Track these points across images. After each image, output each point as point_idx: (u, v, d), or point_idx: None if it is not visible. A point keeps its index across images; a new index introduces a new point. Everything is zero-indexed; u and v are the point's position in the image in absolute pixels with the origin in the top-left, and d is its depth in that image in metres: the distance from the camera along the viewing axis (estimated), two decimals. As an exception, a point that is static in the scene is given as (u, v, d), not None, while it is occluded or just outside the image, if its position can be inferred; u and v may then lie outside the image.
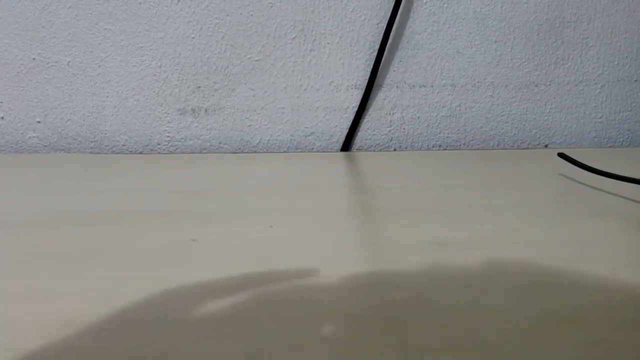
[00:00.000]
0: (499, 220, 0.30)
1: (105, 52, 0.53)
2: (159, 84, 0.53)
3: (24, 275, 0.24)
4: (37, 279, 0.23)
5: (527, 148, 0.54)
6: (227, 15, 0.52)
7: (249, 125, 0.54)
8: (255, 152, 0.54)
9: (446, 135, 0.54)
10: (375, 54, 0.52)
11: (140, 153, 0.54)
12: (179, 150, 0.54)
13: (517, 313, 0.19)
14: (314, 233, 0.28)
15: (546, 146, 0.54)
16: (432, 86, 0.53)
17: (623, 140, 0.55)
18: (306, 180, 0.41)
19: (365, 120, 0.54)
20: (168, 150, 0.54)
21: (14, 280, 0.23)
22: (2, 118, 0.54)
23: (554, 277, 0.23)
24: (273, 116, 0.54)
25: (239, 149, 0.54)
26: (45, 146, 0.54)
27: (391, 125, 0.54)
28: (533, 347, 0.17)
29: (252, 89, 0.53)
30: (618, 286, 0.22)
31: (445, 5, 0.52)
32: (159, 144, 0.54)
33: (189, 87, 0.53)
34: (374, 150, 0.54)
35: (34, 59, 0.53)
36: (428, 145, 0.54)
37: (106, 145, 0.54)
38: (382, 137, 0.54)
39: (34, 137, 0.54)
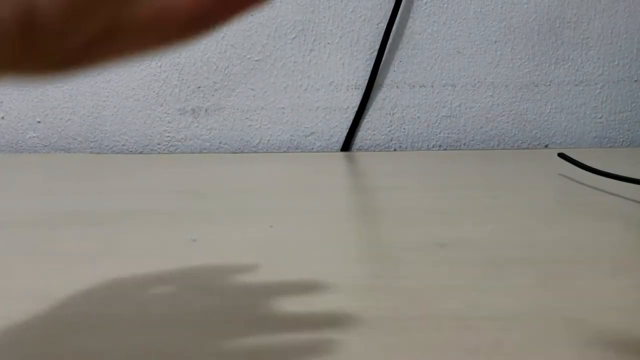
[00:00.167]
0: (499, 220, 0.30)
1: (106, 52, 0.53)
2: (159, 84, 0.53)
3: (24, 275, 0.24)
4: (37, 279, 0.23)
5: (527, 148, 0.54)
6: (227, 15, 0.52)
7: (249, 125, 0.54)
8: (255, 152, 0.54)
9: (446, 136, 0.54)
10: (375, 54, 0.52)
11: (141, 153, 0.54)
12: (179, 150, 0.54)
13: (517, 313, 0.19)
14: (314, 233, 0.28)
15: (546, 146, 0.54)
16: (432, 86, 0.53)
17: (623, 141, 0.55)
18: (306, 180, 0.41)
19: (365, 120, 0.54)
20: (168, 150, 0.54)
21: (14, 280, 0.23)
22: (3, 118, 0.54)
23: (554, 277, 0.23)
24: (273, 116, 0.54)
25: (239, 149, 0.54)
26: (46, 146, 0.54)
27: (391, 126, 0.54)
28: (533, 347, 0.17)
29: (252, 89, 0.53)
30: (618, 286, 0.22)
31: (445, 5, 0.52)
32: (159, 144, 0.54)
33: (189, 87, 0.53)
34: (374, 151, 0.54)
35: (34, 59, 0.53)
36: (428, 146, 0.54)
37: (106, 145, 0.54)
38: (382, 137, 0.54)
39: (34, 137, 0.54)
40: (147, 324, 0.19)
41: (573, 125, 0.54)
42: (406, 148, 0.54)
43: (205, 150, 0.54)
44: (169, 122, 0.54)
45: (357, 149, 0.54)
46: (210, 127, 0.54)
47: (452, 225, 0.29)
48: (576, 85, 0.53)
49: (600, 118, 0.54)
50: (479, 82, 0.53)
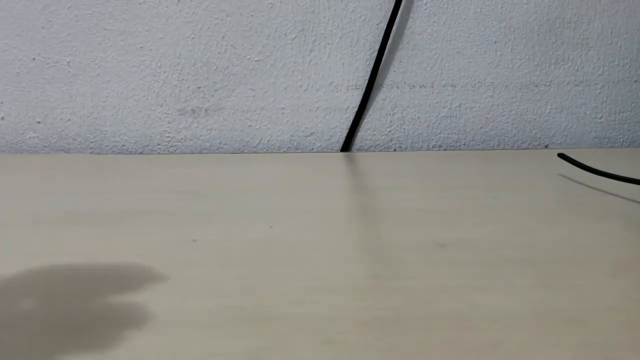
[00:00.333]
0: (499, 220, 0.30)
1: (105, 53, 0.53)
2: (159, 85, 0.53)
3: (24, 275, 0.24)
4: (37, 279, 0.23)
5: (527, 148, 0.54)
6: (227, 15, 0.52)
7: (249, 126, 0.54)
8: (255, 152, 0.54)
9: (446, 136, 0.54)
10: (375, 54, 0.52)
11: (140, 153, 0.54)
12: (179, 150, 0.54)
13: (517, 313, 0.19)
14: (314, 233, 0.28)
15: (546, 146, 0.54)
16: (432, 86, 0.53)
17: (623, 141, 0.55)
18: (306, 181, 0.41)
19: (365, 120, 0.54)
20: (168, 151, 0.54)
21: (14, 280, 0.23)
22: (2, 118, 0.54)
23: (554, 277, 0.23)
24: (273, 116, 0.54)
25: (239, 149, 0.54)
26: (45, 146, 0.54)
27: (391, 126, 0.54)
28: (533, 347, 0.17)
29: (252, 90, 0.53)
30: (618, 286, 0.22)
31: (445, 5, 0.52)
32: (159, 144, 0.54)
33: (189, 87, 0.53)
34: (374, 151, 0.54)
35: (34, 59, 0.53)
36: (428, 146, 0.54)
37: (106, 146, 0.54)
38: (382, 137, 0.54)
39: (33, 137, 0.54)
40: (147, 324, 0.19)
41: (573, 126, 0.54)
42: (406, 148, 0.54)
43: (205, 151, 0.54)
44: (169, 123, 0.54)
45: (357, 149, 0.54)
46: (210, 127, 0.54)
47: (452, 225, 0.29)
48: (576, 85, 0.53)
49: (600, 118, 0.54)
50: (479, 82, 0.53)
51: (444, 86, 0.53)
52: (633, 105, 0.54)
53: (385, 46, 0.52)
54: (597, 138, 0.54)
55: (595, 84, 0.53)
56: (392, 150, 0.54)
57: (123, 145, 0.54)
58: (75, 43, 0.52)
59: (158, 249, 0.26)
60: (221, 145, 0.54)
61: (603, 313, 0.19)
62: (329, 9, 0.52)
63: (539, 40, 0.53)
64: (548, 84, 0.53)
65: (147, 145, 0.54)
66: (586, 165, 0.37)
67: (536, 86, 0.53)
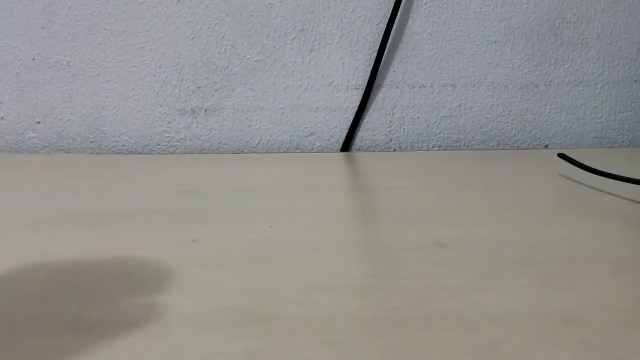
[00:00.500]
0: (499, 220, 0.30)
1: (105, 53, 0.53)
2: (159, 85, 0.53)
3: (24, 276, 0.24)
4: (37, 279, 0.23)
5: (527, 149, 0.54)
6: (227, 15, 0.52)
7: (249, 126, 0.54)
8: (255, 152, 0.54)
9: (446, 136, 0.54)
10: (375, 54, 0.52)
11: (140, 153, 0.54)
12: (179, 150, 0.54)
13: (517, 313, 0.19)
14: (313, 233, 0.28)
15: (546, 147, 0.54)
16: (432, 87, 0.53)
17: (623, 141, 0.55)
18: (306, 181, 0.41)
19: (365, 120, 0.54)
20: (168, 151, 0.54)
21: (14, 280, 0.23)
22: (2, 119, 0.54)
23: (554, 277, 0.23)
24: (273, 117, 0.54)
25: (239, 149, 0.54)
26: (45, 147, 0.54)
27: (391, 126, 0.54)
28: (533, 347, 0.17)
29: (252, 90, 0.53)
30: (618, 286, 0.22)
31: (445, 5, 0.52)
32: (159, 145, 0.54)
33: (189, 87, 0.53)
34: (374, 151, 0.54)
35: (34, 59, 0.53)
36: (428, 146, 0.54)
37: (106, 146, 0.54)
38: (382, 137, 0.54)
39: (34, 137, 0.54)
40: (147, 324, 0.19)
41: (573, 126, 0.54)
42: (406, 148, 0.54)
43: (205, 151, 0.54)
44: (169, 123, 0.54)
45: (357, 150, 0.54)
46: (210, 127, 0.54)
47: (452, 225, 0.29)
48: (576, 85, 0.53)
49: (600, 118, 0.54)
50: (479, 82, 0.53)
51: (444, 86, 0.53)
52: (633, 105, 0.54)
53: (385, 46, 0.52)
54: (597, 138, 0.54)
55: (595, 84, 0.54)
56: (392, 150, 0.54)
57: (123, 146, 0.54)
58: (76, 43, 0.53)
59: (158, 249, 0.26)
60: (221, 146, 0.54)
61: (603, 313, 0.19)
62: (329, 9, 0.52)
63: (539, 40, 0.53)
64: (548, 84, 0.53)
65: (147, 146, 0.54)
66: (586, 166, 0.37)
67: (536, 86, 0.53)
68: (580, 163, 0.38)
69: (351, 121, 0.53)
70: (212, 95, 0.53)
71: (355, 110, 0.53)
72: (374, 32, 0.52)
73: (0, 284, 0.23)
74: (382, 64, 0.52)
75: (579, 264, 0.24)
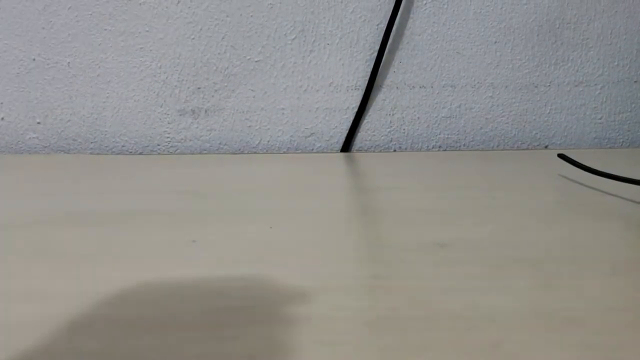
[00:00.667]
0: (499, 220, 0.30)
1: (105, 53, 0.53)
2: (159, 85, 0.53)
3: (24, 276, 0.24)
4: (37, 279, 0.23)
5: (527, 149, 0.54)
6: (227, 16, 0.52)
7: (249, 126, 0.54)
8: (255, 153, 0.54)
9: (446, 136, 0.54)
10: (375, 54, 0.52)
11: (140, 154, 0.54)
12: (178, 151, 0.54)
13: (517, 313, 0.19)
14: (313, 234, 0.28)
15: (546, 147, 0.54)
16: (432, 87, 0.53)
17: (623, 141, 0.55)
18: (306, 181, 0.41)
19: (365, 121, 0.54)
20: (168, 151, 0.54)
21: (14, 280, 0.23)
22: (2, 119, 0.54)
23: (554, 277, 0.23)
24: (273, 117, 0.54)
25: (239, 149, 0.54)
26: (45, 147, 0.54)
27: (391, 126, 0.54)
28: (533, 347, 0.17)
29: (252, 90, 0.53)
30: (618, 286, 0.22)
31: (445, 6, 0.52)
32: (158, 145, 0.54)
33: (189, 88, 0.53)
34: (373, 151, 0.54)
35: (34, 59, 0.53)
36: (428, 146, 0.54)
37: (106, 146, 0.54)
38: (382, 138, 0.54)
39: (34, 137, 0.54)
40: (147, 324, 0.19)
41: (573, 126, 0.54)
42: (406, 149, 0.54)
43: (205, 151, 0.54)
44: (168, 123, 0.54)
45: (357, 150, 0.54)
46: (210, 128, 0.54)
47: (452, 225, 0.29)
48: (576, 86, 0.53)
49: (600, 119, 0.54)
50: (478, 83, 0.53)
51: (443, 87, 0.53)
52: (633, 105, 0.54)
53: (385, 47, 0.52)
54: (597, 138, 0.54)
55: (595, 84, 0.54)
56: (392, 150, 0.54)
57: (123, 146, 0.54)
58: (76, 44, 0.53)
59: (158, 249, 0.26)
60: (221, 146, 0.54)
61: (603, 313, 0.19)
62: (328, 10, 0.52)
63: (539, 40, 0.53)
64: (548, 84, 0.53)
65: (147, 146, 0.54)
66: (586, 166, 0.37)
67: (536, 87, 0.53)
68: (580, 163, 0.38)
69: (351, 121, 0.53)
70: (212, 96, 0.53)
71: (355, 110, 0.53)
72: (374, 32, 0.52)
73: (1, 284, 0.23)
74: (382, 64, 0.52)
75: (579, 264, 0.24)
